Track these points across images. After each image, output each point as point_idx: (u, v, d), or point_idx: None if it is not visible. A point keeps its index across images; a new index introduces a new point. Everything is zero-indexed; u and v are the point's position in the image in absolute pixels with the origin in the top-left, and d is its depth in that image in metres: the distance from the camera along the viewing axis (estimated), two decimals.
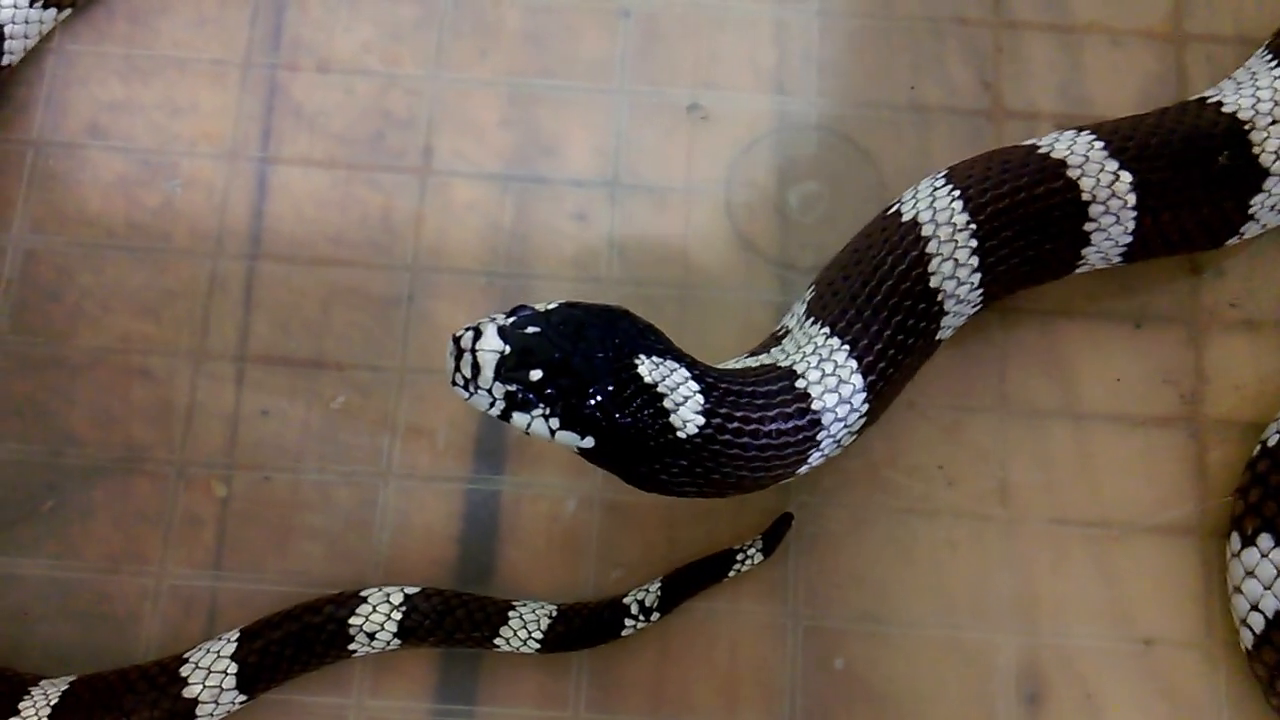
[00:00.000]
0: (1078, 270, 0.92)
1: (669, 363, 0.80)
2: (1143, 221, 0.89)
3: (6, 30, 0.99)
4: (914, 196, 0.89)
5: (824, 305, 0.86)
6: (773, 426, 0.82)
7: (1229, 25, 1.00)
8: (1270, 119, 0.90)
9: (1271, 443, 0.90)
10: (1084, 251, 0.90)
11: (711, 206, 1.02)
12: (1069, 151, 0.89)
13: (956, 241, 0.87)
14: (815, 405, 0.83)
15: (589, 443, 0.78)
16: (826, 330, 0.85)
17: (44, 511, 0.94)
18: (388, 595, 0.87)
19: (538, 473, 0.96)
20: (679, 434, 0.79)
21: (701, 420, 0.79)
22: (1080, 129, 0.92)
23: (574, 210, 1.00)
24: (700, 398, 0.79)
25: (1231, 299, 1.00)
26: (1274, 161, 0.89)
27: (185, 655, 0.87)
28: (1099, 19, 1.02)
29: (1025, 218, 0.88)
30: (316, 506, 0.95)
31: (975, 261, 0.87)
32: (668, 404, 0.79)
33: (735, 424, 0.81)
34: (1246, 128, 0.90)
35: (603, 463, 0.81)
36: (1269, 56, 0.92)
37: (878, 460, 0.96)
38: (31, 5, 0.99)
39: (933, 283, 0.86)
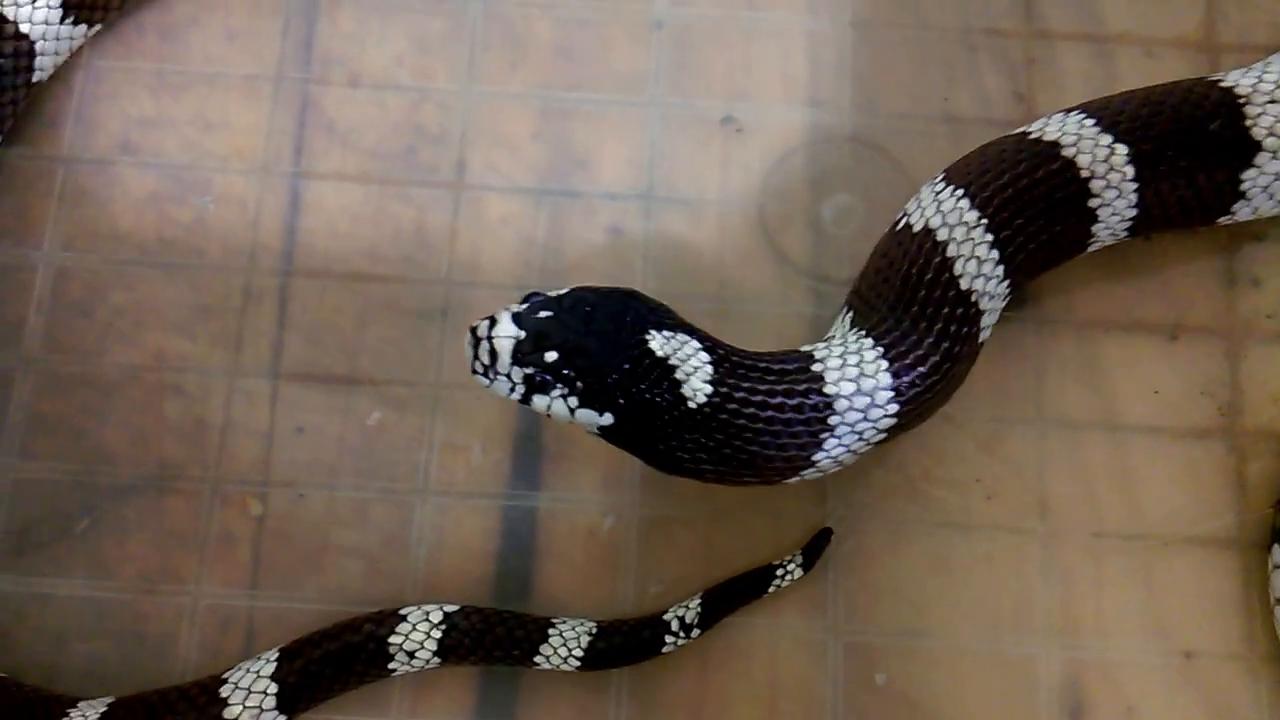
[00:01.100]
0: (1090, 248, 0.93)
1: (680, 335, 0.82)
2: (1144, 193, 0.90)
3: (37, 46, 0.99)
4: (918, 205, 0.90)
5: (864, 317, 0.86)
6: (780, 400, 0.82)
7: (1262, 34, 1.00)
8: (1269, 98, 0.90)
9: None
10: (1093, 229, 0.90)
11: (745, 219, 1.03)
12: (1061, 132, 0.90)
13: (974, 239, 0.87)
14: (829, 389, 0.83)
15: (608, 419, 0.80)
16: (863, 332, 0.86)
17: (79, 531, 0.94)
18: (427, 614, 0.88)
19: (574, 488, 0.96)
20: (690, 404, 0.80)
21: (710, 389, 0.81)
22: (1069, 110, 0.93)
23: (608, 223, 1.00)
24: (710, 368, 0.81)
25: (1268, 311, 1.01)
26: (1266, 136, 0.89)
27: (224, 675, 0.88)
28: (1131, 29, 1.03)
29: (1031, 203, 0.88)
30: (353, 524, 0.95)
31: (996, 255, 0.88)
32: (679, 375, 0.81)
33: (742, 393, 0.82)
34: (1241, 101, 0.90)
35: (623, 442, 0.83)
36: None
37: (915, 474, 0.96)
38: (62, 21, 0.99)
39: (963, 285, 0.86)
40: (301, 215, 1.03)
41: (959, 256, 0.86)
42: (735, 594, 0.91)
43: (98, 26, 1.05)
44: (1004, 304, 0.90)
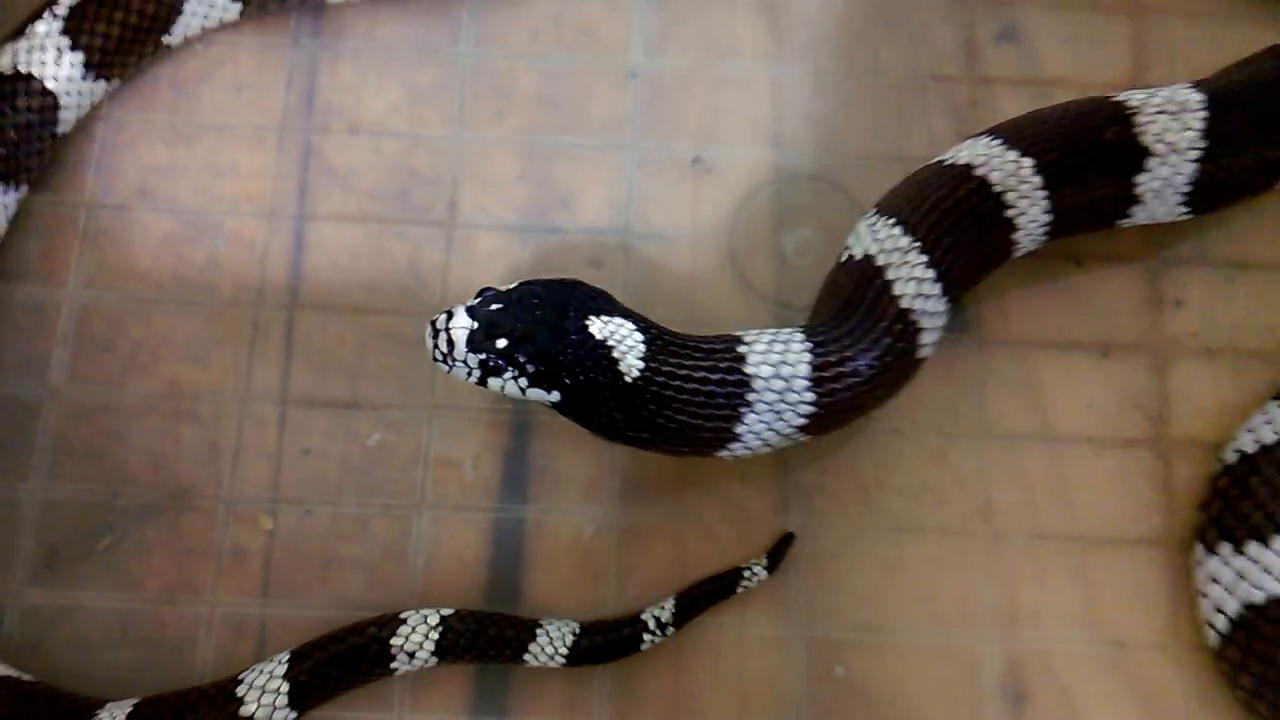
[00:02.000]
0: (1016, 254, 0.97)
1: (617, 319, 0.89)
2: (1054, 200, 0.95)
3: (61, 101, 1.02)
4: (857, 238, 0.95)
5: (811, 325, 0.93)
6: (703, 374, 0.89)
7: (1186, 77, 1.03)
8: (1158, 109, 0.96)
9: (1230, 460, 0.95)
10: (1015, 236, 0.96)
11: (715, 251, 1.05)
12: (972, 155, 0.96)
13: (909, 263, 0.92)
14: (748, 369, 0.90)
15: (556, 396, 0.88)
16: (799, 331, 0.92)
17: (103, 548, 0.96)
18: (425, 617, 0.91)
19: (559, 501, 0.98)
20: (626, 378, 0.87)
21: (642, 364, 0.88)
22: (978, 135, 0.98)
23: (589, 257, 1.04)
24: (643, 346, 0.88)
25: (1191, 330, 1.03)
26: (1155, 143, 0.95)
27: (240, 676, 0.90)
28: (1066, 73, 1.08)
29: (956, 222, 0.94)
30: (355, 537, 0.97)
31: (932, 274, 0.93)
32: (616, 354, 0.88)
33: (670, 368, 0.88)
34: (1131, 111, 0.96)
35: (572, 414, 0.90)
36: (1190, 85, 0.98)
37: (869, 483, 0.99)
38: (84, 78, 1.03)
39: (903, 304, 0.91)
40: (305, 253, 1.05)
41: (898, 279, 0.92)
42: (706, 595, 0.94)
43: (116, 82, 1.07)
44: (945, 320, 0.94)
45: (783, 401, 0.89)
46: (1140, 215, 0.98)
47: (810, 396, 0.89)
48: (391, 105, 1.09)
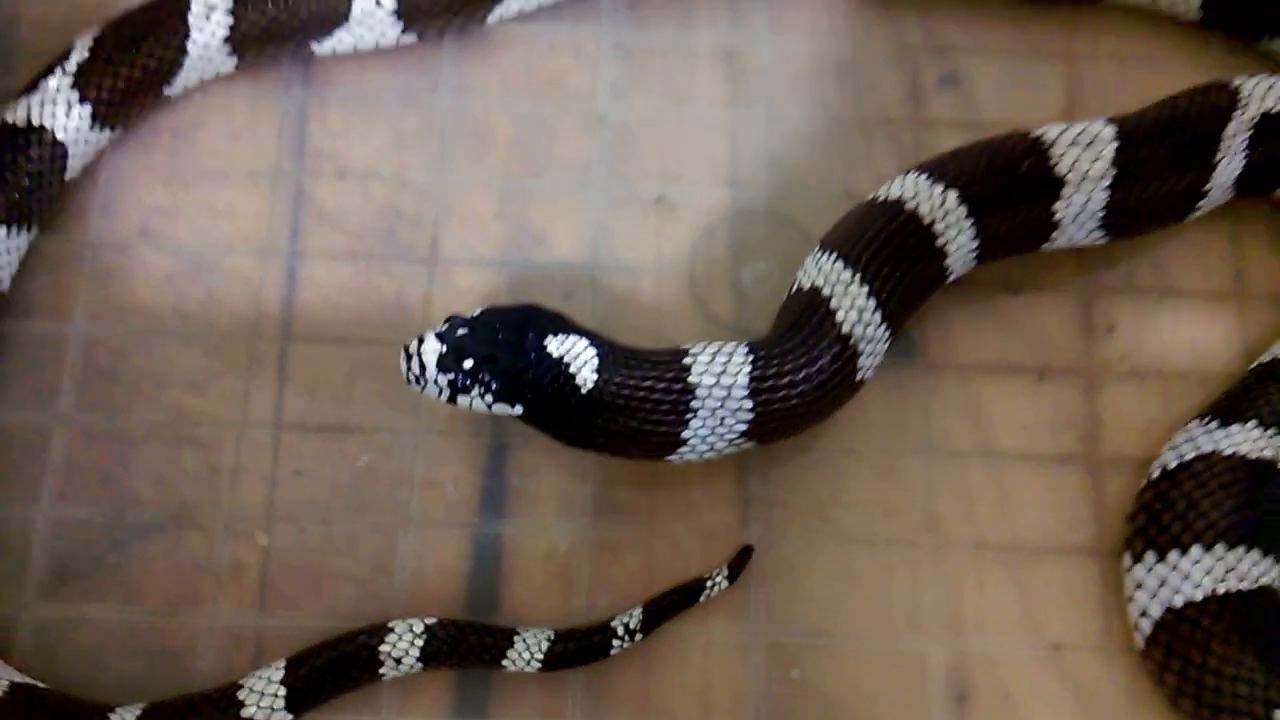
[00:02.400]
0: (950, 278, 1.02)
1: (573, 337, 0.95)
2: (979, 228, 1.01)
3: (70, 150, 1.05)
4: (804, 272, 1.00)
5: (756, 341, 0.98)
6: (650, 383, 0.94)
7: (1121, 111, 1.08)
8: (1070, 142, 1.02)
9: (1154, 475, 1.00)
10: (946, 263, 1.01)
11: (677, 283, 1.09)
12: (901, 190, 1.01)
13: (851, 294, 0.98)
14: (692, 379, 0.95)
15: (519, 410, 0.94)
16: (745, 345, 0.97)
17: (110, 564, 0.99)
18: (411, 626, 0.94)
19: (534, 518, 1.01)
20: (582, 390, 0.93)
21: (596, 376, 0.94)
22: (905, 172, 1.03)
23: (561, 290, 1.07)
24: (596, 360, 0.94)
25: (1120, 354, 1.07)
26: (1067, 173, 1.01)
27: (240, 682, 0.93)
28: (1003, 116, 1.12)
29: (892, 255, 0.99)
30: (346, 552, 1.00)
31: (873, 304, 0.98)
32: (573, 369, 0.94)
33: (620, 378, 0.94)
34: (1046, 145, 1.02)
35: (536, 424, 0.96)
36: (1104, 120, 1.04)
37: (823, 498, 1.02)
38: (91, 128, 1.06)
39: (844, 330, 0.97)
40: (298, 289, 1.07)
41: (840, 307, 0.97)
42: (672, 604, 0.97)
43: (120, 130, 1.10)
44: (884, 345, 0.99)
45: (724, 409, 0.95)
46: (1060, 239, 1.04)
47: (749, 404, 0.95)
48: (377, 150, 1.12)
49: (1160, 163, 1.02)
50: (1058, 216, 1.02)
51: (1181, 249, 1.10)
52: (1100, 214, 1.02)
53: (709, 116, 1.14)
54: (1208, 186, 1.04)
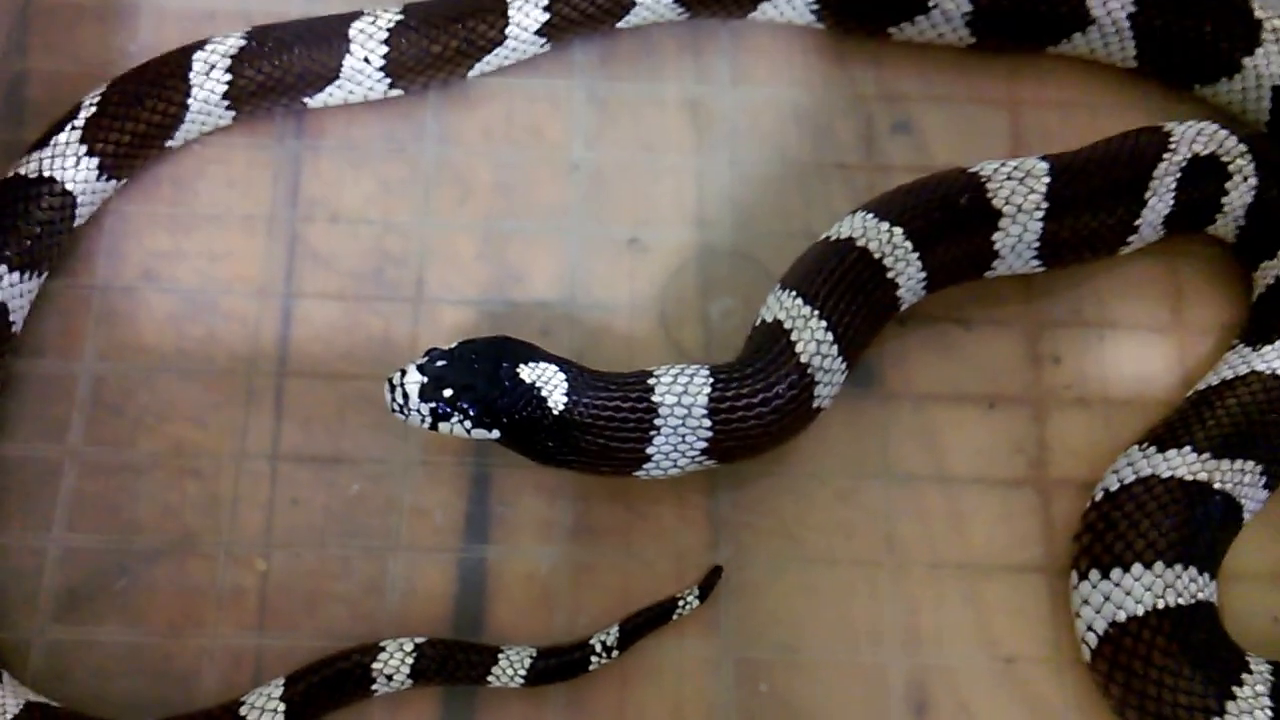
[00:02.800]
0: (902, 308, 1.05)
1: (543, 364, 0.98)
2: (926, 260, 1.05)
3: (78, 199, 1.08)
4: (767, 308, 1.04)
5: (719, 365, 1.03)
6: (616, 403, 0.98)
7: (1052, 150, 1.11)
8: (1005, 175, 1.07)
9: (1098, 498, 1.02)
10: (898, 294, 1.05)
11: (649, 319, 1.11)
12: (850, 229, 1.05)
13: (811, 327, 1.02)
14: (654, 399, 0.98)
15: (496, 434, 0.97)
16: (706, 370, 1.01)
17: (117, 589, 1.00)
18: (401, 645, 0.96)
19: (516, 542, 1.03)
20: (553, 412, 0.97)
21: (565, 399, 0.97)
22: (854, 212, 1.07)
23: (539, 327, 1.09)
24: (565, 384, 0.98)
25: (1066, 383, 1.09)
26: (1004, 205, 1.06)
27: (242, 699, 0.94)
28: (953, 159, 1.12)
29: (847, 289, 1.02)
30: (339, 576, 1.01)
31: (831, 337, 1.01)
32: (544, 393, 0.97)
33: (588, 399, 0.98)
34: (983, 180, 1.07)
35: (512, 445, 0.99)
36: (1039, 157, 1.09)
37: (789, 520, 1.04)
38: (97, 179, 1.09)
39: (802, 359, 1.01)
40: (293, 327, 1.09)
41: (800, 340, 1.01)
42: (646, 622, 0.99)
43: (124, 180, 1.12)
44: (843, 375, 1.02)
45: (684, 426, 0.98)
46: (1001, 268, 1.08)
47: (708, 423, 0.98)
48: (366, 196, 1.14)
49: (1092, 197, 1.07)
50: (997, 246, 1.07)
51: (1123, 284, 1.13)
52: (1036, 244, 1.07)
53: (677, 163, 1.16)
54: (1138, 222, 1.08)
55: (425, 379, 0.97)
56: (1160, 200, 1.09)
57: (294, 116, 1.17)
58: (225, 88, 1.12)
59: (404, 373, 0.97)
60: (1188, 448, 1.02)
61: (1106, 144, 1.11)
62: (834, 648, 1.01)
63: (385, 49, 1.13)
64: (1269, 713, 0.93)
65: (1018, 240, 1.07)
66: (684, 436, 0.99)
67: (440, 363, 0.98)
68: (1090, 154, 1.10)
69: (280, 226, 1.13)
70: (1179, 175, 1.09)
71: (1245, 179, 1.10)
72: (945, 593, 1.03)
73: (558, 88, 1.19)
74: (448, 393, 0.97)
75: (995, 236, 1.07)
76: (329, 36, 1.13)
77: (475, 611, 1.01)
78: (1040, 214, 1.06)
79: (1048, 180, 1.07)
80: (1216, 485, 1.00)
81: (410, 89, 1.17)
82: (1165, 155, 1.09)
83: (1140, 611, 0.96)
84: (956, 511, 1.05)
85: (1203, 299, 1.13)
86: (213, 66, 1.12)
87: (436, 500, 1.04)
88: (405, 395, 0.97)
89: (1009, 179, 1.07)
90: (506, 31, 1.14)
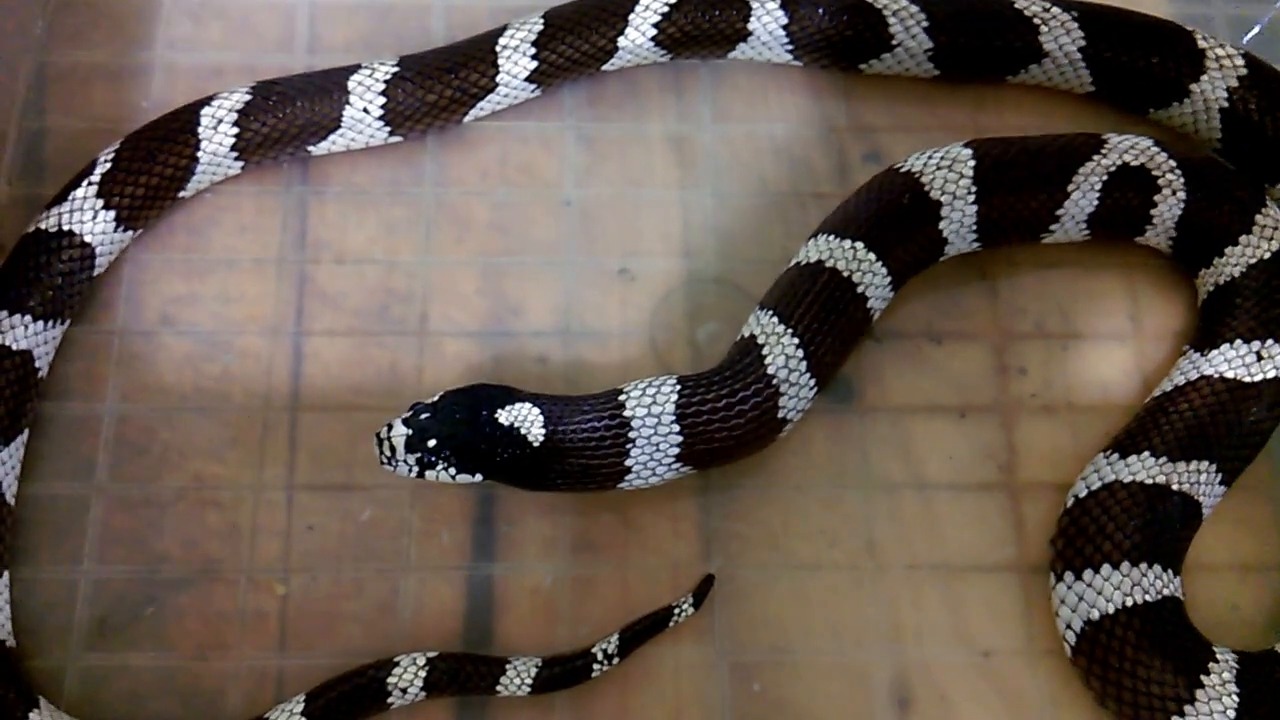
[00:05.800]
0: (874, 317, 1.09)
1: (519, 405, 1.00)
2: (888, 263, 1.08)
3: (97, 250, 1.11)
4: (747, 326, 1.07)
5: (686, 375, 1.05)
6: (591, 424, 1.00)
7: None
8: (935, 168, 1.11)
9: (1069, 505, 1.05)
10: (869, 305, 1.08)
11: (639, 345, 1.13)
12: (818, 251, 1.08)
13: (783, 345, 1.04)
14: (626, 413, 1.00)
15: (479, 477, 1.00)
16: (674, 379, 1.03)
17: (146, 616, 1.02)
18: (414, 659, 0.98)
19: (521, 558, 1.05)
20: (534, 445, 0.99)
21: (543, 431, 1.00)
22: (814, 235, 1.10)
23: (536, 355, 1.11)
24: (541, 418, 1.00)
25: (1032, 391, 1.12)
26: (940, 194, 1.10)
27: (266, 716, 0.97)
28: None
29: (821, 309, 1.06)
30: (354, 597, 1.03)
31: (800, 353, 1.04)
32: (523, 430, 0.99)
33: (564, 426, 1.00)
34: (917, 175, 1.11)
35: (498, 480, 1.00)
36: (961, 143, 1.12)
37: (775, 530, 1.06)
38: (115, 230, 1.11)
39: (769, 372, 1.04)
40: (304, 364, 1.11)
41: (770, 353, 1.04)
42: (644, 630, 1.01)
43: (140, 230, 1.14)
44: (811, 390, 1.05)
45: (656, 435, 1.01)
46: (950, 250, 1.12)
47: (677, 428, 1.01)
48: (370, 237, 1.16)
49: (1017, 182, 1.11)
50: (945, 233, 1.11)
51: (1084, 297, 1.16)
52: (974, 225, 1.11)
53: (663, 196, 1.19)
54: (1059, 212, 1.12)
55: (410, 431, 0.99)
56: (1084, 197, 1.12)
57: (299, 164, 1.19)
58: (233, 140, 1.14)
59: (390, 426, 1.00)
60: (1146, 453, 1.04)
61: (1041, 138, 1.15)
62: (821, 648, 1.03)
63: (383, 99, 1.16)
64: (1235, 699, 0.95)
65: (959, 225, 1.10)
66: (657, 445, 1.01)
67: (424, 415, 1.00)
68: (1023, 144, 1.14)
69: (289, 269, 1.15)
70: (1105, 178, 1.12)
71: (1174, 193, 1.12)
72: (924, 593, 1.05)
73: (549, 129, 1.21)
74: (432, 443, 0.99)
75: (941, 225, 1.10)
76: (329, 89, 1.15)
77: (484, 625, 1.03)
78: (972, 197, 1.10)
79: (973, 164, 1.10)
80: (1175, 487, 1.02)
81: (409, 135, 1.19)
82: (1095, 157, 1.12)
83: (1111, 610, 0.99)
84: (933, 516, 1.08)
85: (1156, 308, 1.16)
86: (220, 120, 1.14)
87: (444, 522, 1.06)
88: (392, 448, 0.99)
89: (939, 169, 1.10)
90: (498, 79, 1.17)
